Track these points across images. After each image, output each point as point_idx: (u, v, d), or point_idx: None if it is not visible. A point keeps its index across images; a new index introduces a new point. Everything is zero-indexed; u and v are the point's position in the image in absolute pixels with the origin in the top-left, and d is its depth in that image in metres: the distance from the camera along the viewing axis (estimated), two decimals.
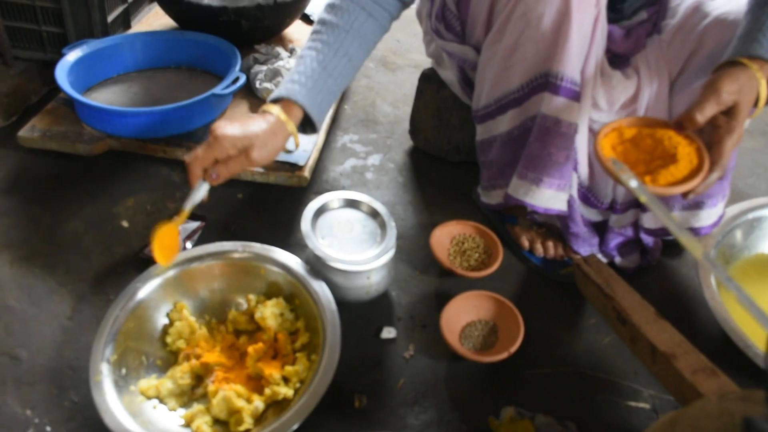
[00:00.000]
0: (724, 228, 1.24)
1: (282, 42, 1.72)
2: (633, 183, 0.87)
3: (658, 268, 1.27)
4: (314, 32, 1.06)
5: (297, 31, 1.78)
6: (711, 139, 0.92)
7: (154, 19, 1.78)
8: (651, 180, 0.90)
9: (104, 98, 1.44)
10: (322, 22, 1.05)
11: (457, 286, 1.16)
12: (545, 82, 1.03)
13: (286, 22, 1.66)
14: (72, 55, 1.41)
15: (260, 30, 1.60)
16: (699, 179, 0.89)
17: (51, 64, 1.42)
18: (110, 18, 1.63)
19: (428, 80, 1.37)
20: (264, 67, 1.46)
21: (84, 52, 1.43)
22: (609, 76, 1.11)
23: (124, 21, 1.76)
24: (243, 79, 1.35)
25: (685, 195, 0.92)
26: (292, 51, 1.54)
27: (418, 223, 1.31)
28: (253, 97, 1.48)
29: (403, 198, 1.36)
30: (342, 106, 1.62)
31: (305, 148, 1.32)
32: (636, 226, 1.22)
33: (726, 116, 0.90)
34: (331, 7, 1.05)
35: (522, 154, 1.11)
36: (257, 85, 1.45)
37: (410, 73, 1.81)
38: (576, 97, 1.03)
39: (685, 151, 0.92)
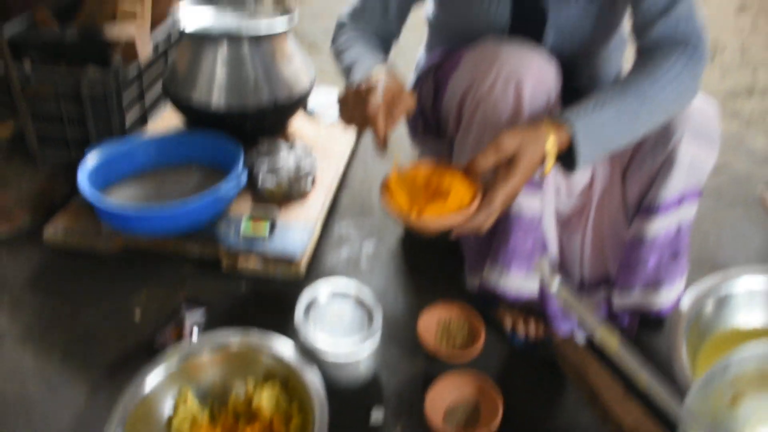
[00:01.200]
0: (696, 303, 1.30)
1: (285, 135, 1.86)
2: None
3: (635, 343, 1.33)
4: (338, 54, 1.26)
5: (300, 126, 1.92)
6: (488, 185, 0.99)
7: (169, 118, 1.93)
8: (417, 212, 0.96)
9: (122, 196, 1.57)
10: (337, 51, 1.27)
11: (444, 366, 1.24)
12: None
13: (287, 120, 1.81)
14: (92, 158, 1.55)
15: (263, 128, 1.74)
16: (460, 215, 0.95)
17: (75, 164, 1.56)
18: (129, 119, 1.79)
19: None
20: (266, 165, 1.59)
21: (103, 154, 1.58)
22: None
23: (142, 120, 1.91)
24: (244, 177, 1.48)
25: (450, 232, 0.99)
26: (292, 147, 1.67)
27: (409, 307, 1.40)
28: (256, 193, 1.60)
29: (395, 283, 1.46)
30: (339, 196, 1.74)
31: (302, 240, 1.44)
32: (609, 303, 1.30)
33: (507, 166, 0.97)
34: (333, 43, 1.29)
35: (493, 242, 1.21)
36: (259, 182, 1.57)
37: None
38: (537, 187, 1.14)
39: (460, 192, 0.97)
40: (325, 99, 2.04)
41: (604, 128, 1.00)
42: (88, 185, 1.46)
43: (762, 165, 2.17)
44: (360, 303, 1.20)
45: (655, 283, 1.22)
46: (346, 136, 1.89)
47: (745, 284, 1.30)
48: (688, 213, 1.18)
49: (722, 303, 1.31)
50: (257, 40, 1.67)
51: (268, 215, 1.48)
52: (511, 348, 1.31)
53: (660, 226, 1.17)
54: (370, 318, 1.17)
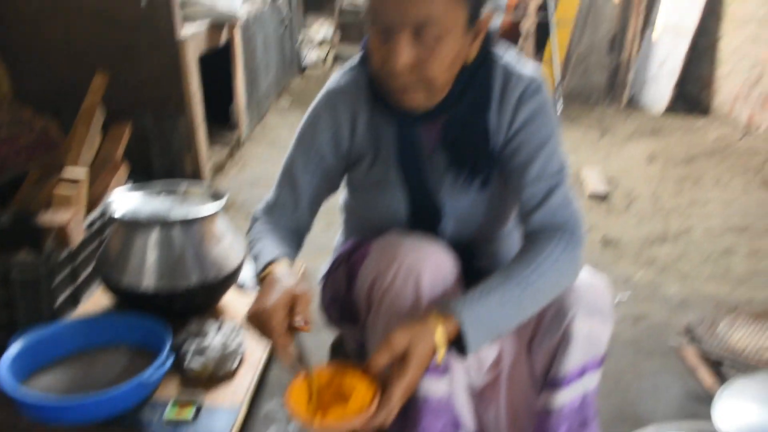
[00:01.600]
0: None
1: (216, 313, 1.90)
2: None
3: None
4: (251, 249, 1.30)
5: (231, 300, 1.96)
6: (386, 382, 1.03)
7: (101, 297, 1.96)
8: (320, 418, 0.99)
9: (46, 382, 1.56)
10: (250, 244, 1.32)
11: None
12: None
13: (217, 297, 1.86)
14: (15, 346, 1.55)
15: (193, 307, 1.78)
16: (360, 416, 0.98)
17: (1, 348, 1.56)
18: (59, 300, 1.81)
19: (337, 349, 1.54)
20: (193, 345, 1.62)
21: (29, 340, 1.58)
22: None
23: (74, 301, 1.94)
24: (170, 361, 1.50)
25: None
26: (220, 326, 1.71)
27: None
28: (183, 373, 1.61)
29: None
30: (268, 373, 1.77)
31: (226, 425, 1.45)
32: None
33: (401, 362, 1.02)
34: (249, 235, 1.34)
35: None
36: (186, 363, 1.60)
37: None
38: (442, 372, 1.19)
39: (361, 392, 1.02)
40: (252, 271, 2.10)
41: (490, 315, 1.07)
42: (9, 375, 1.46)
43: (677, 312, 2.29)
44: None
45: None
46: None
47: None
48: (591, 382, 1.24)
49: None
50: (187, 224, 1.76)
51: (194, 400, 1.49)
52: None
53: (565, 398, 1.22)
54: None
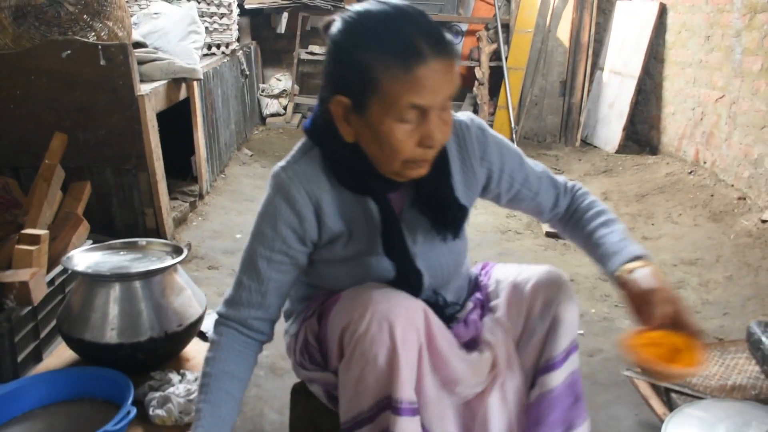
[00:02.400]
0: None
1: (179, 362, 1.92)
2: None
3: None
4: (203, 376, 1.31)
5: (194, 350, 1.99)
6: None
7: (64, 352, 1.97)
8: (680, 365, 1.18)
9: None
10: (205, 364, 1.33)
11: None
12: (388, 403, 1.21)
13: (180, 347, 1.89)
14: None
15: (156, 358, 1.81)
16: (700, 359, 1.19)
17: None
18: (21, 356, 1.82)
19: (299, 393, 1.57)
20: (157, 394, 1.64)
21: None
22: (470, 361, 1.34)
23: (36, 356, 1.94)
24: (133, 412, 1.52)
25: None
26: (182, 375, 1.74)
27: None
28: (147, 423, 1.63)
29: None
30: None
31: None
32: None
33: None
34: (211, 346, 1.34)
35: None
36: (150, 411, 1.62)
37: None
38: (415, 412, 1.23)
39: (678, 341, 1.21)
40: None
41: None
42: None
43: None
44: None
45: (569, 426, 1.37)
46: None
47: None
48: (575, 362, 1.40)
49: None
50: (147, 277, 1.79)
51: None
52: None
53: (558, 379, 1.36)
54: None
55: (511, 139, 5.60)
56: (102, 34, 2.76)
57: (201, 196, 3.82)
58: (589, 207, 1.45)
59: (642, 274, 1.26)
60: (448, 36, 1.15)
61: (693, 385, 1.94)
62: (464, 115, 1.38)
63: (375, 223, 1.31)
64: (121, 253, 1.95)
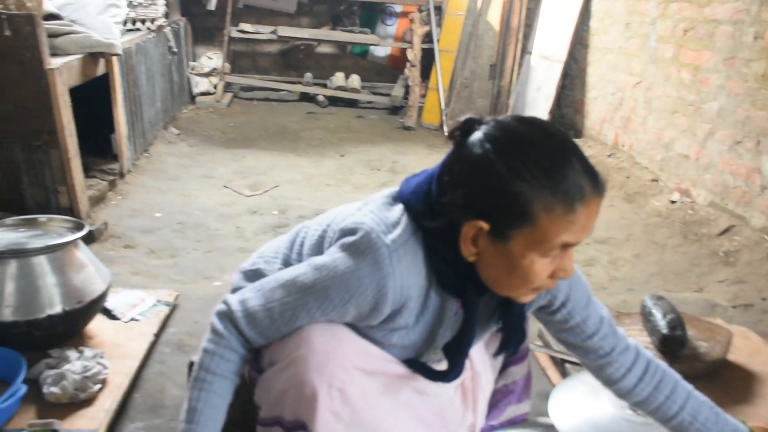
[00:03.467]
0: None
1: (82, 340, 1.90)
2: None
3: None
4: (204, 370, 1.18)
5: (98, 327, 1.98)
6: None
7: None
8: None
9: None
10: (207, 358, 1.19)
11: None
12: (306, 426, 1.15)
13: (81, 325, 1.87)
14: None
15: (55, 336, 1.79)
16: None
17: None
18: None
19: None
20: (52, 372, 1.63)
21: None
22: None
23: None
24: (23, 390, 1.51)
25: None
26: (81, 353, 1.73)
27: None
28: (41, 401, 1.62)
29: None
30: (132, 396, 1.79)
31: None
32: None
33: None
34: (214, 337, 1.19)
35: None
36: (44, 389, 1.61)
37: None
38: None
39: None
40: (126, 298, 2.12)
41: None
42: None
43: (535, 319, 2.45)
44: None
45: (519, 401, 1.51)
46: (145, 333, 1.97)
47: None
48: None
49: None
50: (45, 253, 1.77)
51: (49, 426, 1.50)
52: None
53: (524, 370, 1.49)
54: None
55: (441, 122, 5.66)
56: (9, 3, 2.67)
57: (122, 175, 3.75)
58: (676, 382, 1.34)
59: None
60: (598, 170, 1.07)
61: None
62: None
63: (449, 322, 1.23)
64: (21, 229, 1.92)
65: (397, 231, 1.12)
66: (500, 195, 1.03)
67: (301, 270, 1.15)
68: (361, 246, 1.10)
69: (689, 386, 1.34)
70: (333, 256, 1.13)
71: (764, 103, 3.16)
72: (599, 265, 3.12)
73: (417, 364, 1.26)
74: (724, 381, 1.98)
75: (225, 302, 1.19)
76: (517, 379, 1.50)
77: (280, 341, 1.19)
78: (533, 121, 1.09)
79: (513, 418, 1.54)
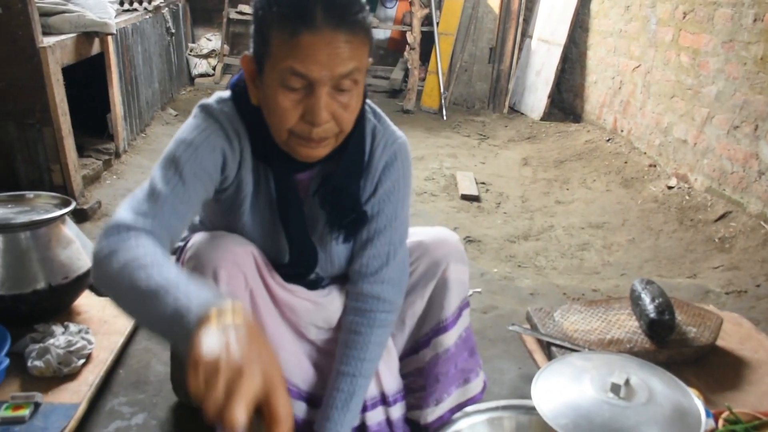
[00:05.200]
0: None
1: (70, 316, 1.91)
2: None
3: None
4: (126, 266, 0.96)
5: (85, 304, 1.98)
6: None
7: None
8: None
9: None
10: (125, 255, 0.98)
11: None
12: None
13: (68, 300, 1.88)
14: None
15: (41, 311, 1.79)
16: None
17: None
18: None
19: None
20: (36, 346, 1.64)
21: None
22: (312, 297, 1.38)
23: None
24: (5, 363, 1.52)
25: None
26: (66, 327, 1.73)
27: None
28: (25, 374, 1.63)
29: None
30: (117, 371, 1.80)
31: (63, 420, 1.48)
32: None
33: None
34: (116, 246, 0.99)
35: None
36: (29, 363, 1.61)
37: None
38: None
39: None
40: None
41: (349, 414, 1.32)
42: None
43: (525, 303, 2.45)
44: None
45: (465, 380, 1.49)
46: None
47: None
48: (466, 319, 1.49)
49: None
50: (31, 228, 1.77)
51: (31, 398, 1.51)
52: None
53: (453, 337, 1.45)
54: None
55: (441, 106, 5.64)
56: None
57: (117, 155, 3.74)
58: (363, 343, 1.35)
59: None
60: (361, 10, 1.08)
61: (573, 339, 2.03)
62: (397, 134, 1.33)
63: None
64: (9, 205, 1.92)
65: (224, 96, 1.23)
66: (255, 28, 1.11)
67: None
68: (200, 107, 1.22)
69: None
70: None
71: (762, 87, 3.13)
72: (593, 249, 3.12)
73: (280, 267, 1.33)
74: (712, 367, 1.98)
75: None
76: (449, 347, 1.46)
77: None
78: None
79: (465, 402, 1.52)
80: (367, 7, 1.11)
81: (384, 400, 1.45)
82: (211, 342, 0.77)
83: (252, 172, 1.25)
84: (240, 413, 0.72)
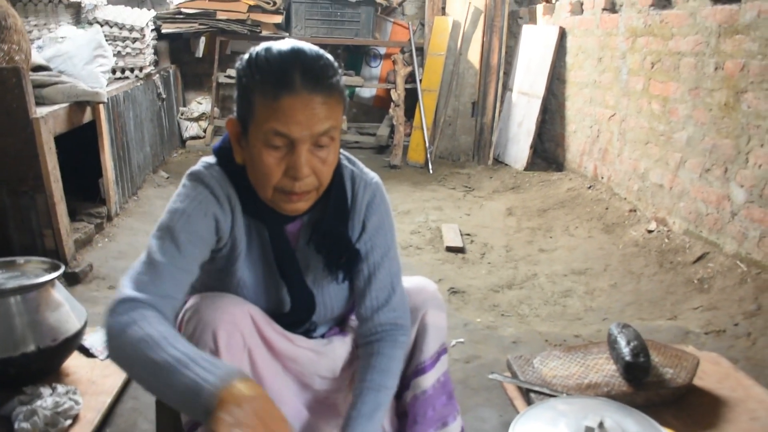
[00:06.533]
0: None
1: (59, 377, 1.96)
2: None
3: None
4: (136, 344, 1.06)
5: (74, 365, 2.03)
6: None
7: None
8: None
9: None
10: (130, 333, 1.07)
11: None
12: None
13: (56, 362, 1.93)
14: None
15: (30, 373, 1.84)
16: None
17: None
18: None
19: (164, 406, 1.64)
20: (24, 408, 1.69)
21: None
22: (314, 347, 1.44)
23: None
24: None
25: None
26: (54, 389, 1.78)
27: None
28: None
29: None
30: (104, 431, 1.84)
31: None
32: None
33: None
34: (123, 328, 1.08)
35: None
36: (16, 426, 1.66)
37: None
38: None
39: None
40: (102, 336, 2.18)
41: (373, 427, 1.33)
42: None
43: (508, 351, 2.49)
44: None
45: (443, 423, 1.52)
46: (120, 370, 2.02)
47: None
48: (444, 364, 1.54)
49: None
50: (20, 292, 1.83)
51: None
52: None
53: (431, 380, 1.50)
54: None
55: (426, 160, 5.76)
56: None
57: (109, 218, 3.83)
58: (384, 365, 1.40)
59: None
60: (335, 74, 1.20)
61: (552, 385, 2.08)
62: (371, 174, 1.44)
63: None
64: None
65: (210, 161, 1.31)
66: (239, 91, 1.21)
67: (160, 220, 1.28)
68: (189, 176, 1.29)
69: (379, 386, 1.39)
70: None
71: (728, 131, 3.26)
72: (575, 296, 3.18)
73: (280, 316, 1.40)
74: (691, 407, 2.02)
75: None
76: (426, 389, 1.51)
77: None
78: (294, 41, 1.22)
79: None
80: (341, 71, 1.24)
81: None
82: (231, 422, 0.90)
83: (244, 229, 1.33)
84: None
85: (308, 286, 1.40)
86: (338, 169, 1.35)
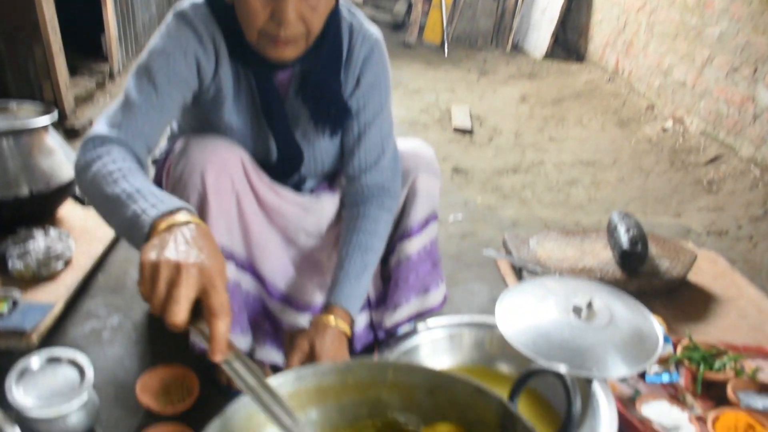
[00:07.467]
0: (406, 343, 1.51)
1: (53, 223, 1.96)
2: None
3: None
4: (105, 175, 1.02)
5: (70, 213, 2.02)
6: None
7: None
8: None
9: None
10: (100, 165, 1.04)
11: (161, 419, 1.36)
12: None
13: (49, 208, 1.92)
14: None
15: (22, 217, 1.83)
16: None
17: None
18: None
19: None
20: (17, 248, 1.69)
21: None
22: (301, 202, 1.43)
23: None
24: None
25: None
26: (47, 232, 1.78)
27: (139, 371, 1.51)
28: (6, 276, 1.69)
29: (132, 351, 1.58)
30: (95, 276, 1.85)
31: (38, 315, 1.53)
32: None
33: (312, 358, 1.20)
34: (93, 158, 1.06)
35: None
36: (9, 265, 1.67)
37: None
38: (227, 256, 1.31)
39: None
40: None
41: (360, 288, 1.32)
42: None
43: (505, 231, 2.48)
44: (73, 365, 1.31)
45: (425, 289, 1.53)
46: None
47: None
48: (433, 231, 1.52)
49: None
50: (13, 135, 1.79)
51: (9, 295, 1.57)
52: (227, 399, 1.45)
53: (417, 245, 1.49)
54: (83, 379, 1.28)
55: (443, 41, 5.56)
56: None
57: (112, 76, 3.74)
58: (370, 226, 1.38)
59: (319, 327, 1.24)
60: None
61: (545, 266, 2.07)
62: (373, 29, 1.36)
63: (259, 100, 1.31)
64: None
65: (197, 1, 1.23)
66: None
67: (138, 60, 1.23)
68: (173, 14, 1.23)
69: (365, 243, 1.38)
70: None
71: (766, 27, 3.09)
72: (581, 185, 3.13)
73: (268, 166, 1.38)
74: (682, 299, 2.02)
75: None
76: (411, 254, 1.49)
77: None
78: None
79: (423, 312, 1.56)
80: None
81: None
82: (155, 245, 0.83)
83: (231, 73, 1.27)
84: (179, 310, 0.78)
85: (294, 137, 1.35)
86: (336, 20, 1.27)
